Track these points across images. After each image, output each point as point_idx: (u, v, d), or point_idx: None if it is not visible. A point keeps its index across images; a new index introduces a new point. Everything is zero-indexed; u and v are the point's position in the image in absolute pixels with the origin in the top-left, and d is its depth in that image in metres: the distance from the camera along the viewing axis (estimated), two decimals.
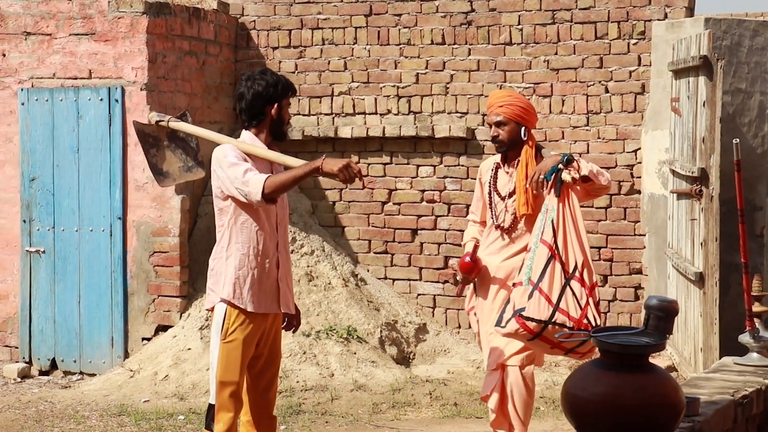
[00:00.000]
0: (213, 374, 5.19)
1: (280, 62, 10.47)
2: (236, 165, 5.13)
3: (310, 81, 10.40)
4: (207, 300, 5.36)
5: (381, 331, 9.41)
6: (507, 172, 6.00)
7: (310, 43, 10.40)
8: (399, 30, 10.18)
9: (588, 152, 9.72)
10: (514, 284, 5.68)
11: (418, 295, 10.09)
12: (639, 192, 9.63)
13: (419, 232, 10.10)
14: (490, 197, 6.01)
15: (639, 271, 9.63)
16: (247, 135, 5.32)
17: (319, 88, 10.34)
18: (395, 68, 10.19)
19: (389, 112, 10.19)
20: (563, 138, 9.80)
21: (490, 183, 6.03)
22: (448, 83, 10.06)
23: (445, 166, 10.03)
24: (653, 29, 9.47)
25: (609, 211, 9.71)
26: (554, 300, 5.46)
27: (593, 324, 5.39)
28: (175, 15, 9.76)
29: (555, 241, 5.53)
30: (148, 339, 9.42)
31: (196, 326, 9.15)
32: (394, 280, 10.18)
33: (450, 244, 10.00)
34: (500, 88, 9.91)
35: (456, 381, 8.91)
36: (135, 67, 9.44)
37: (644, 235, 9.59)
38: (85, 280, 9.47)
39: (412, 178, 10.16)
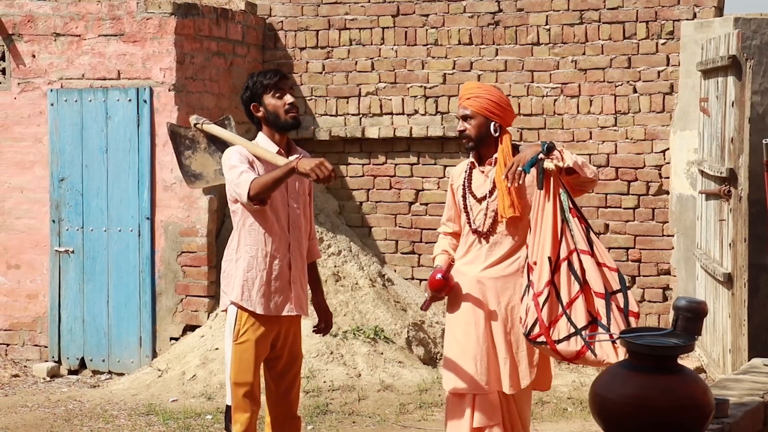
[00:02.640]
0: (227, 376, 5.20)
1: (307, 63, 10.49)
2: (235, 167, 5.12)
3: (337, 81, 10.41)
4: (220, 302, 5.40)
5: (408, 332, 9.41)
6: (482, 172, 5.39)
7: (337, 43, 10.41)
8: (426, 30, 10.18)
9: (616, 153, 9.69)
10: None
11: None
12: (667, 192, 9.59)
13: None
14: (465, 201, 5.40)
15: (667, 272, 9.59)
16: (260, 136, 5.32)
17: (347, 88, 10.35)
18: (422, 68, 10.19)
19: (416, 112, 10.19)
20: (591, 138, 9.77)
21: (464, 185, 5.44)
22: None
23: None
24: (682, 29, 9.43)
25: (637, 212, 9.67)
26: (523, 309, 5.14)
27: (524, 332, 5.05)
28: (203, 16, 9.80)
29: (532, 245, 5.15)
30: (176, 339, 9.46)
31: (223, 326, 9.17)
32: (420, 280, 10.18)
33: None
34: (527, 89, 9.91)
35: None
36: (163, 67, 9.47)
37: (673, 235, 9.55)
38: (113, 280, 9.52)
39: (440, 178, 10.15)
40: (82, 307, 9.59)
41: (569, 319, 5.00)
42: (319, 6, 10.44)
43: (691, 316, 4.32)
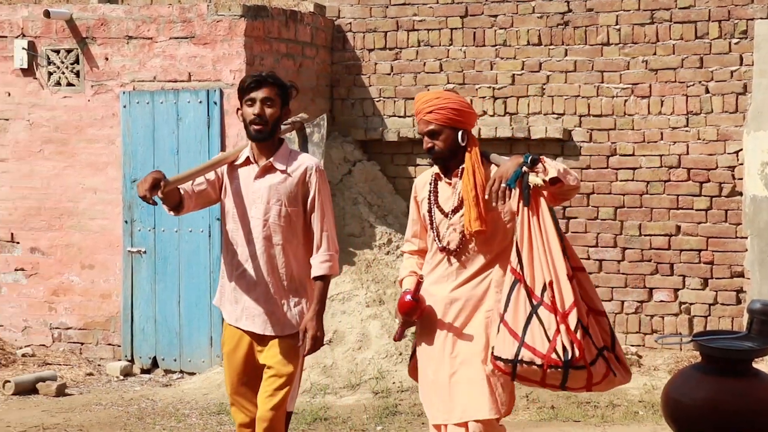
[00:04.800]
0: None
1: (375, 64, 10.51)
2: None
3: (405, 82, 10.42)
4: None
5: None
6: (449, 183, 4.93)
7: (405, 44, 10.42)
8: (495, 31, 10.14)
9: (688, 153, 9.59)
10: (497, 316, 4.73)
11: None
12: (740, 194, 9.47)
13: None
14: (431, 215, 4.93)
15: (740, 275, 9.47)
16: (247, 146, 5.19)
17: (415, 89, 10.35)
18: (491, 69, 10.16)
19: (485, 113, 10.16)
20: (662, 139, 9.67)
21: (429, 199, 4.97)
22: (544, 84, 10.00)
23: None
24: (756, 28, 9.30)
25: (709, 214, 9.56)
26: (519, 333, 4.58)
27: (563, 358, 4.50)
28: (272, 18, 9.86)
29: (519, 262, 4.63)
30: None
31: None
32: None
33: None
34: (597, 90, 9.83)
35: None
36: (233, 69, 9.55)
37: (746, 237, 9.42)
38: (184, 280, 9.61)
39: None
40: (154, 307, 9.69)
41: (592, 339, 4.62)
42: (387, 7, 10.46)
43: (767, 319, 4.26)
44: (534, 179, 4.61)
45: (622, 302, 9.75)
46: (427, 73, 10.35)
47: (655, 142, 9.68)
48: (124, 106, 9.78)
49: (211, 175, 5.09)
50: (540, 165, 4.63)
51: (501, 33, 10.12)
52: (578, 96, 9.88)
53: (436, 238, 4.92)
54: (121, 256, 9.82)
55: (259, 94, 4.98)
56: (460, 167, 4.87)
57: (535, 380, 4.60)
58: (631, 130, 9.76)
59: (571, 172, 4.70)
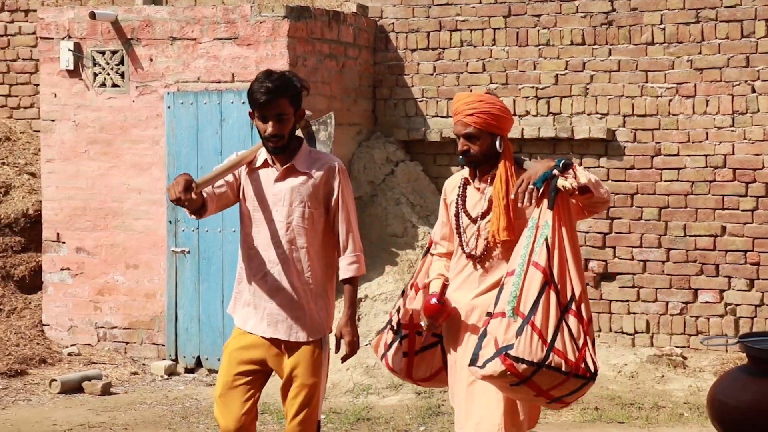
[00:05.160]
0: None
1: (418, 64, 10.51)
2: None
3: (448, 83, 10.41)
4: None
5: None
6: (478, 188, 4.85)
7: (448, 44, 10.40)
8: (538, 31, 10.11)
9: (733, 154, 9.50)
10: (489, 314, 4.61)
11: None
12: None
13: None
14: (458, 220, 4.87)
15: None
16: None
17: (458, 89, 10.33)
18: (534, 69, 10.13)
19: (528, 113, 10.13)
20: (707, 139, 9.60)
21: (457, 203, 4.89)
22: (588, 84, 9.96)
23: (585, 167, 9.89)
24: None
25: (755, 214, 9.47)
26: (549, 338, 4.45)
27: (591, 370, 4.46)
28: (315, 18, 9.88)
29: (549, 266, 4.49)
30: None
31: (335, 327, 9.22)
32: None
33: (590, 246, 9.88)
34: (641, 89, 9.77)
35: (597, 384, 8.78)
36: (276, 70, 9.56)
37: None
38: (227, 280, 9.65)
39: None
40: (197, 307, 9.75)
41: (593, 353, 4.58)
42: (430, 8, 10.45)
43: None
44: (563, 182, 4.51)
45: (667, 303, 9.68)
46: (470, 73, 10.33)
47: (700, 142, 9.61)
48: (168, 107, 9.84)
49: (229, 177, 4.95)
50: (571, 170, 4.55)
51: (544, 33, 10.08)
52: (622, 96, 9.82)
53: (462, 244, 4.84)
54: (165, 256, 9.88)
55: (272, 111, 4.76)
56: (491, 173, 4.79)
57: (541, 388, 4.47)
58: (676, 130, 9.69)
59: (603, 185, 4.59)
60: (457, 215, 4.87)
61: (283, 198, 4.87)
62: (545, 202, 4.53)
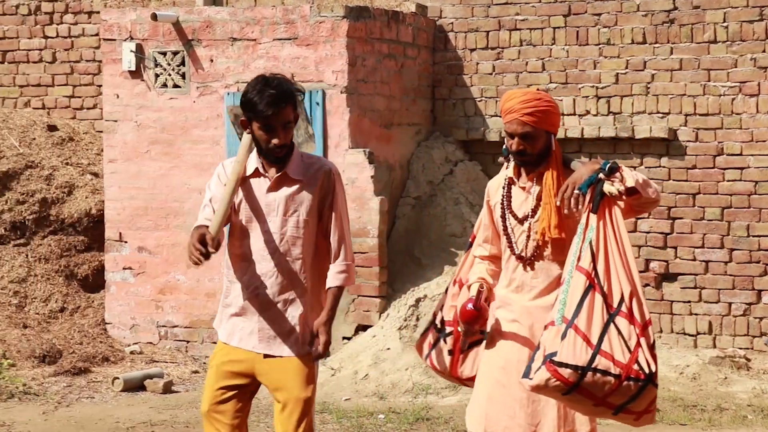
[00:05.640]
0: None
1: (477, 64, 10.48)
2: (206, 194, 4.81)
3: (507, 82, 10.37)
4: None
5: None
6: (523, 188, 4.68)
7: (507, 44, 10.37)
8: (598, 30, 10.04)
9: None
10: (545, 326, 4.46)
11: None
12: None
13: None
14: (504, 221, 4.69)
15: None
16: (253, 152, 4.76)
17: (517, 89, 10.26)
18: (594, 68, 10.06)
19: (588, 112, 10.07)
20: None
21: (502, 203, 4.72)
22: (648, 83, 9.87)
23: (646, 167, 9.84)
24: None
25: None
26: (594, 340, 4.30)
27: (646, 372, 4.27)
28: (374, 18, 9.90)
29: (594, 268, 4.40)
30: (348, 338, 9.57)
31: (395, 326, 9.25)
32: None
33: (651, 246, 9.79)
34: (703, 88, 9.66)
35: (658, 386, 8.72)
36: (335, 70, 9.61)
37: None
38: None
39: None
40: None
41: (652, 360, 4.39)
42: (489, 7, 10.42)
43: None
44: (609, 188, 4.41)
45: (730, 304, 9.57)
46: (530, 72, 10.29)
47: (764, 141, 9.49)
48: (228, 107, 9.90)
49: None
50: (618, 174, 4.44)
51: (605, 32, 10.01)
52: (684, 95, 9.73)
53: (510, 245, 4.68)
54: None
55: (279, 121, 4.54)
56: (537, 171, 4.64)
57: (595, 395, 4.28)
58: (739, 130, 9.58)
59: (651, 184, 4.48)
60: (503, 216, 4.71)
61: (276, 208, 4.66)
62: (590, 206, 4.44)
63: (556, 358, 4.28)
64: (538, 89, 4.69)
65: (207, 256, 4.57)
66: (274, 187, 4.67)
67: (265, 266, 4.67)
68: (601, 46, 10.05)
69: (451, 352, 4.91)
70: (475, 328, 4.65)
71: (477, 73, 10.48)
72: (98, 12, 11.20)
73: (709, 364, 9.02)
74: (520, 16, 10.31)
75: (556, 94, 10.14)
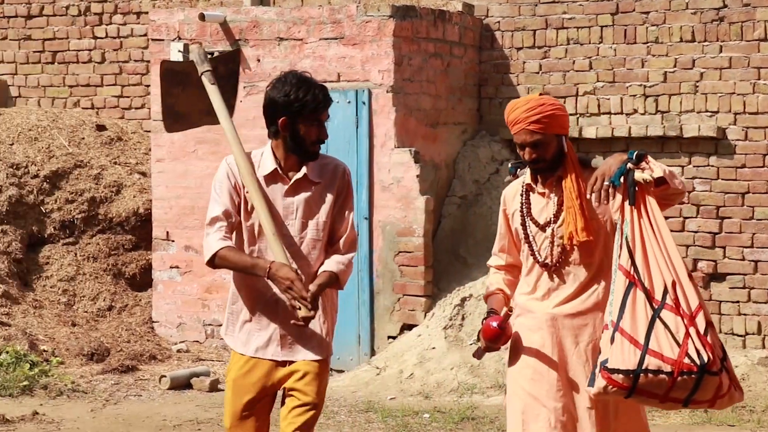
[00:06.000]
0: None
1: (524, 63, 10.44)
2: (214, 201, 4.61)
3: (554, 81, 10.32)
4: None
5: None
6: (542, 193, 4.53)
7: (554, 43, 10.32)
8: (647, 28, 9.97)
9: None
10: (603, 329, 4.33)
11: None
12: None
13: None
14: (525, 229, 4.54)
15: None
16: (267, 147, 4.63)
17: (564, 88, 10.24)
18: (642, 67, 9.99)
19: (635, 111, 10.00)
20: None
21: (521, 211, 4.56)
22: (697, 82, 9.79)
23: (694, 166, 9.75)
24: None
25: None
26: (641, 340, 4.17)
27: (698, 363, 4.12)
28: (420, 17, 9.89)
29: (633, 264, 4.25)
30: (394, 337, 9.57)
31: (440, 326, 9.24)
32: None
33: (699, 246, 9.70)
34: (753, 86, 9.56)
35: None
36: (381, 69, 9.61)
37: None
38: None
39: None
40: None
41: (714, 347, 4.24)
42: (536, 5, 10.38)
43: None
44: (641, 175, 4.27)
45: None
46: (576, 71, 10.23)
47: None
48: None
49: (234, 197, 4.59)
50: (645, 162, 4.32)
51: (653, 30, 9.94)
52: (733, 93, 9.64)
53: (533, 253, 4.52)
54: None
55: (325, 116, 4.55)
56: (555, 175, 4.49)
57: (657, 394, 4.16)
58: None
59: (677, 175, 4.34)
60: (523, 224, 4.55)
61: (295, 211, 4.54)
62: (627, 198, 4.29)
63: (608, 365, 4.19)
64: (540, 93, 4.58)
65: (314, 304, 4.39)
66: (292, 191, 4.55)
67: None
68: (649, 44, 9.97)
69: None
70: (498, 346, 4.48)
71: (523, 72, 10.44)
72: (147, 12, 11.29)
73: (758, 364, 8.93)
74: (568, 14, 10.26)
75: (603, 92, 10.09)
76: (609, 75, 10.10)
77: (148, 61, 11.18)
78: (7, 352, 9.06)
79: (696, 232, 9.73)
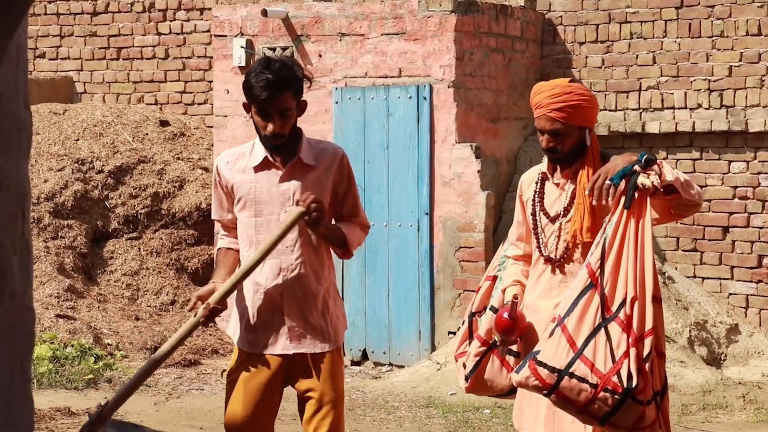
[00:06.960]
0: None
1: (586, 57, 10.37)
2: (212, 203, 4.58)
3: (617, 76, 10.24)
4: None
5: (690, 331, 9.15)
6: (557, 184, 4.33)
7: (617, 37, 10.23)
8: (711, 22, 9.85)
9: None
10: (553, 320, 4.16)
11: (730, 294, 9.73)
12: None
13: (731, 229, 9.74)
14: (535, 219, 4.34)
15: None
16: (257, 140, 4.45)
17: (626, 82, 10.16)
18: (707, 61, 9.87)
19: (699, 106, 9.88)
20: None
21: (534, 200, 4.36)
22: (763, 76, 9.65)
23: (760, 161, 9.62)
24: None
25: None
26: (579, 344, 3.99)
27: (625, 385, 3.92)
28: (482, 12, 9.86)
29: (601, 266, 4.03)
30: (454, 333, 9.52)
31: None
32: (703, 278, 9.86)
33: (764, 242, 9.57)
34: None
35: None
36: (443, 65, 9.59)
37: None
38: (393, 274, 9.72)
39: (724, 174, 9.80)
40: (364, 301, 9.84)
41: (652, 379, 4.04)
42: (599, 0, 10.30)
43: None
44: (643, 180, 4.03)
45: None
46: (640, 66, 10.14)
47: None
48: (336, 102, 9.96)
49: (221, 198, 4.47)
50: (655, 167, 4.07)
51: (718, 23, 9.82)
52: None
53: (539, 246, 4.33)
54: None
55: (274, 108, 4.23)
56: (573, 167, 4.28)
57: (576, 401, 3.97)
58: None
59: (694, 185, 4.12)
60: (534, 214, 4.35)
61: (291, 197, 4.34)
62: (621, 201, 4.07)
63: (538, 357, 4.04)
64: (571, 80, 4.34)
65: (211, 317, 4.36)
66: (287, 175, 4.36)
67: (286, 260, 4.34)
68: (714, 38, 9.85)
69: (467, 378, 4.57)
70: (512, 339, 4.29)
71: (586, 66, 10.37)
72: (210, 9, 11.37)
73: None
74: (631, 8, 10.17)
75: (667, 87, 9.99)
76: (673, 69, 10.00)
77: (211, 57, 11.26)
78: (73, 346, 9.18)
79: (761, 228, 9.60)
